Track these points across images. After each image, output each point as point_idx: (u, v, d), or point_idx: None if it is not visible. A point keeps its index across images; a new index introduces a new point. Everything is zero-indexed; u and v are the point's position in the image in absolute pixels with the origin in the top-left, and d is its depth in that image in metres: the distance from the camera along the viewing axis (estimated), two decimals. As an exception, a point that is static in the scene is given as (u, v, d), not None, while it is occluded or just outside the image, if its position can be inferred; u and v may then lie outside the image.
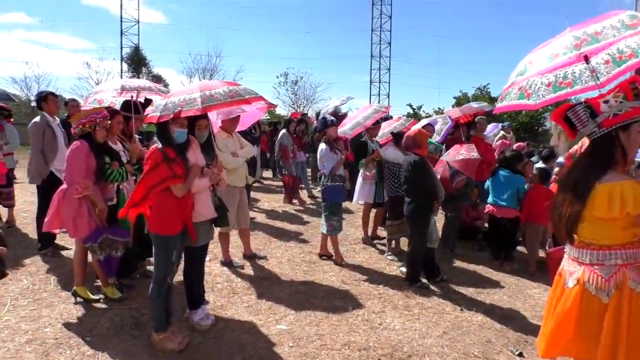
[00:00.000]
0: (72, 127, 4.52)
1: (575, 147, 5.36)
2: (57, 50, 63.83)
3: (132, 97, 5.22)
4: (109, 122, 4.53)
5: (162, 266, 3.65)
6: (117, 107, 5.19)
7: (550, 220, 2.66)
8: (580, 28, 2.83)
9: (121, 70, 36.64)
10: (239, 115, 5.44)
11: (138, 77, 34.74)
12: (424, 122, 7.82)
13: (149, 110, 4.49)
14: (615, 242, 2.37)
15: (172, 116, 3.54)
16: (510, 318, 4.63)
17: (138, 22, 38.25)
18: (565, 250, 2.61)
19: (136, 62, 37.05)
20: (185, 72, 37.83)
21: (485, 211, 6.74)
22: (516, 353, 3.92)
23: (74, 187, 4.28)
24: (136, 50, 37.66)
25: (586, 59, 2.62)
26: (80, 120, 4.42)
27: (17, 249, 6.07)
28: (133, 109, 5.02)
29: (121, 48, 37.94)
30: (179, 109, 3.58)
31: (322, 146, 6.05)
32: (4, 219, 7.31)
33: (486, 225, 7.16)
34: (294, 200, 10.09)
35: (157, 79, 34.78)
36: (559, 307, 2.47)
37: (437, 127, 7.78)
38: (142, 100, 5.35)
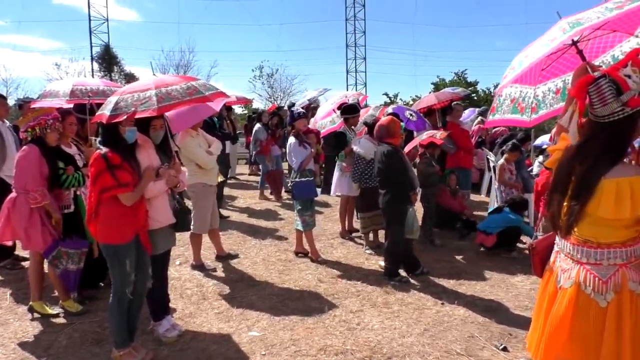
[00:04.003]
0: (21, 131, 4.20)
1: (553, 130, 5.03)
2: (27, 52, 62.02)
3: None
4: (61, 124, 4.22)
5: (117, 278, 3.38)
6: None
7: (546, 214, 2.28)
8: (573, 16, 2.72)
9: (92, 69, 35.63)
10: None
11: (110, 76, 33.95)
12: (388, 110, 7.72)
13: None
14: (616, 240, 2.10)
15: (125, 117, 3.22)
16: (493, 310, 4.47)
17: (107, 19, 37.25)
18: (555, 242, 2.33)
19: (107, 61, 36.16)
20: (159, 70, 37.02)
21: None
22: (500, 347, 3.73)
23: (32, 197, 3.97)
24: (106, 49, 36.72)
25: (575, 44, 2.43)
26: (28, 123, 4.11)
27: (-26, 263, 5.73)
28: (88, 110, 4.72)
29: (91, 47, 36.84)
30: (133, 109, 3.22)
31: (291, 140, 5.79)
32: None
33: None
34: (270, 196, 9.84)
35: (130, 77, 33.98)
36: (554, 309, 2.21)
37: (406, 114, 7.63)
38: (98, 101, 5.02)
